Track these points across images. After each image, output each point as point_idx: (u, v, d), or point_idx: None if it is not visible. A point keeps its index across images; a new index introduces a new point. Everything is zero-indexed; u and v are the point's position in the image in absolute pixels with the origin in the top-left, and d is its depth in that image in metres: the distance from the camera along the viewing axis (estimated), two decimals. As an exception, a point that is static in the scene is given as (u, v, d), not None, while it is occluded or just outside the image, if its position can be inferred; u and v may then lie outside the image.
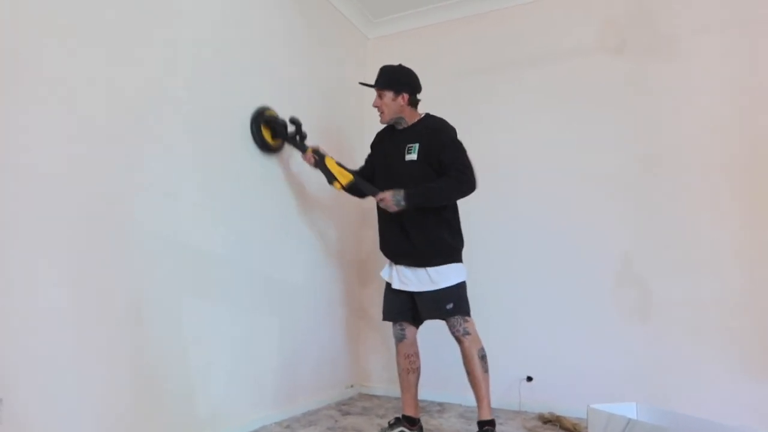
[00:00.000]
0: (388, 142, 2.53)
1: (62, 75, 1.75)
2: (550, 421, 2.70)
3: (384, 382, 3.40)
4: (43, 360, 1.66)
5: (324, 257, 3.17)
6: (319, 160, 2.52)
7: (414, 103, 2.47)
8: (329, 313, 3.20)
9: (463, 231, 2.45)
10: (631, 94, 2.99)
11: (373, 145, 2.66)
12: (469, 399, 2.85)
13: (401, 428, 2.40)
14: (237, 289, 2.47)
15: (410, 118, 2.46)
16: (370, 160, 2.67)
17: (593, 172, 3.02)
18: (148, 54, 2.08)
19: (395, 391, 3.18)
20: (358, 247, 3.55)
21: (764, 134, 2.69)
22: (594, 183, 3.01)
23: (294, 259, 2.88)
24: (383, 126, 2.58)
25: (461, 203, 2.43)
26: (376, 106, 2.48)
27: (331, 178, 2.50)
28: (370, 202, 2.69)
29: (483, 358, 2.30)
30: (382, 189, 2.38)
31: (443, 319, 2.34)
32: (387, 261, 2.53)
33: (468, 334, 2.30)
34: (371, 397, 3.34)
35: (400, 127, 2.48)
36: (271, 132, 2.64)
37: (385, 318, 2.51)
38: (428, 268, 2.33)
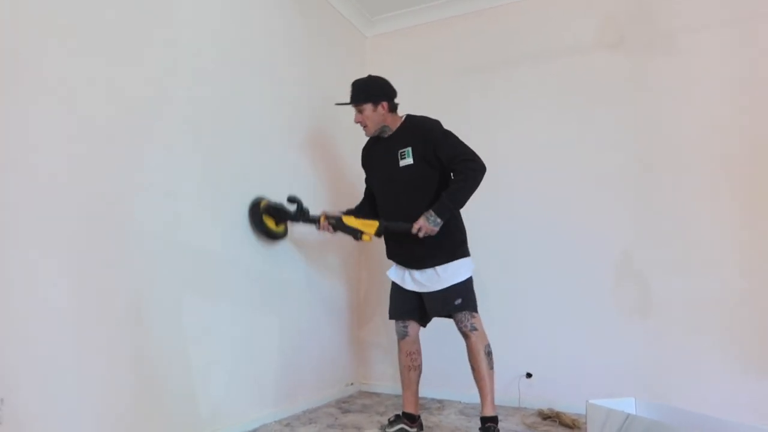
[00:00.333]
0: (378, 153, 2.52)
1: (62, 75, 1.75)
2: (549, 417, 2.71)
3: (384, 379, 3.41)
4: (44, 360, 1.66)
5: (324, 256, 3.17)
6: (336, 224, 2.44)
7: (393, 108, 2.48)
8: (329, 311, 3.20)
9: (463, 229, 2.46)
10: (630, 92, 3.00)
11: (364, 164, 2.64)
12: (468, 396, 2.87)
13: (401, 425, 2.41)
14: (237, 288, 2.47)
15: (393, 124, 2.47)
16: (368, 181, 2.64)
17: (592, 170, 3.03)
18: (148, 54, 2.08)
19: (395, 388, 3.19)
20: (358, 245, 3.54)
21: (764, 132, 2.70)
22: (593, 180, 3.02)
23: (294, 258, 2.88)
24: (367, 141, 2.60)
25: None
26: (358, 122, 2.47)
27: (357, 234, 2.41)
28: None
29: (489, 354, 2.31)
30: (384, 203, 2.43)
31: (451, 314, 2.34)
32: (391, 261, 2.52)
33: (475, 329, 2.31)
34: (371, 394, 3.34)
35: (386, 135, 2.48)
36: (274, 219, 2.59)
37: (392, 317, 2.52)
38: (437, 267, 2.34)
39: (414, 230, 2.26)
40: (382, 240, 2.49)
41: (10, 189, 1.60)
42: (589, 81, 3.10)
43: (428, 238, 2.28)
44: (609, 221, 2.96)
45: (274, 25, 2.86)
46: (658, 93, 2.93)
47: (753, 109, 2.73)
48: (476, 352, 2.29)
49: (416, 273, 2.39)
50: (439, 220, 2.24)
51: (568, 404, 2.76)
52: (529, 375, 3.02)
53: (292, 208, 2.52)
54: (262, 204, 2.54)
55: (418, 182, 2.35)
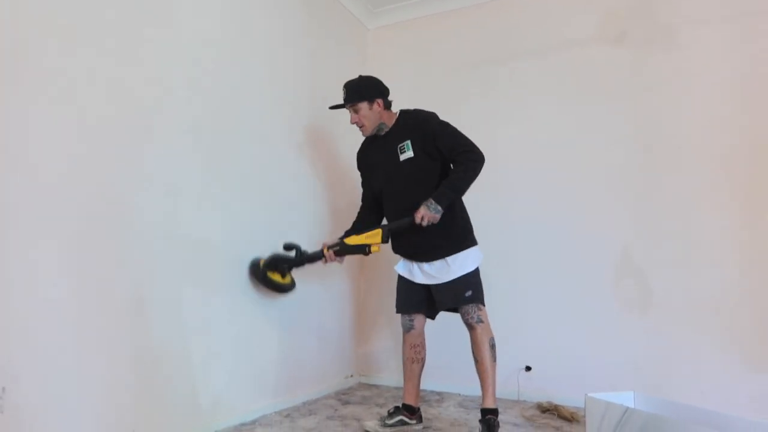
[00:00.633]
0: (375, 152, 2.51)
1: (62, 74, 1.75)
2: (548, 410, 2.72)
3: (383, 371, 3.42)
4: (45, 350, 1.66)
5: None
6: (341, 249, 2.40)
7: (388, 105, 2.47)
8: (330, 303, 3.21)
9: (464, 223, 2.46)
10: (631, 86, 2.99)
11: (361, 167, 2.63)
12: (468, 388, 2.89)
13: (401, 417, 2.43)
14: (238, 281, 2.47)
15: (389, 121, 2.46)
16: (367, 183, 2.61)
17: (593, 164, 3.02)
18: (148, 52, 2.07)
19: (394, 380, 3.21)
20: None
21: (764, 129, 2.69)
22: (593, 175, 3.01)
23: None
24: (361, 143, 2.59)
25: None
26: (354, 123, 2.46)
27: (365, 249, 2.37)
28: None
29: (493, 347, 2.32)
30: (389, 201, 2.42)
31: (460, 306, 2.34)
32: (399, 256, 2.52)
33: (481, 321, 2.31)
34: (371, 386, 3.36)
35: (383, 133, 2.47)
36: (279, 272, 2.51)
37: (399, 311, 2.51)
38: (447, 258, 2.34)
39: (417, 220, 2.25)
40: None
41: (11, 186, 1.60)
42: (589, 76, 3.09)
43: (435, 229, 2.27)
44: (609, 216, 2.96)
45: (274, 18, 2.84)
46: (659, 88, 2.92)
47: (753, 106, 2.72)
48: (480, 344, 2.30)
49: (425, 265, 2.39)
50: (439, 207, 2.23)
51: (567, 398, 2.77)
52: (528, 368, 3.03)
53: (291, 253, 2.47)
54: (261, 263, 2.48)
55: (420, 174, 2.35)
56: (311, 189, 3.07)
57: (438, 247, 2.34)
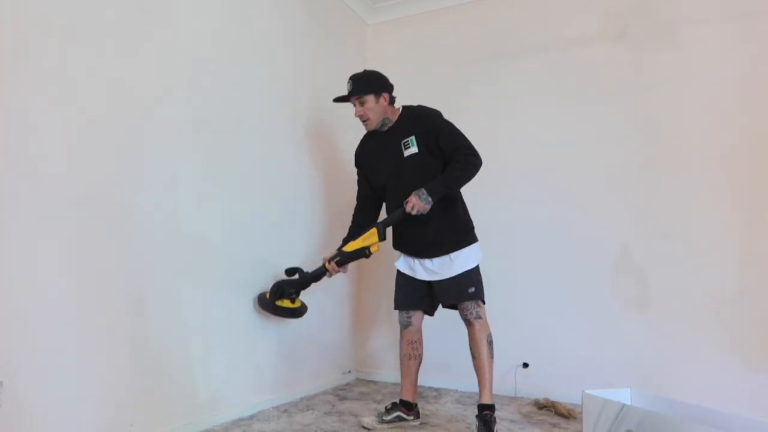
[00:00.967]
0: (377, 148, 2.48)
1: (62, 73, 1.75)
2: (545, 406, 2.73)
3: (381, 367, 3.43)
4: (44, 345, 1.66)
5: (323, 245, 3.17)
6: (342, 258, 2.39)
7: (393, 101, 2.46)
8: (328, 298, 3.21)
9: (463, 219, 2.46)
10: (631, 85, 2.99)
11: (360, 163, 2.58)
12: (465, 385, 2.89)
13: (398, 413, 2.43)
14: (237, 277, 2.48)
15: (393, 116, 2.45)
16: (364, 180, 2.58)
17: (592, 163, 3.03)
18: (148, 50, 2.07)
19: (392, 376, 3.21)
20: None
21: (764, 127, 2.69)
22: (593, 172, 3.02)
23: (293, 247, 2.88)
24: (361, 140, 2.57)
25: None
26: (359, 116, 2.42)
27: (366, 252, 2.37)
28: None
29: (490, 343, 2.33)
30: (391, 197, 2.41)
31: (462, 302, 2.34)
32: (399, 252, 2.51)
33: (480, 318, 2.32)
34: (368, 382, 3.36)
35: (386, 129, 2.45)
36: (287, 298, 2.48)
37: (398, 307, 2.51)
38: (450, 254, 2.34)
39: (407, 209, 2.24)
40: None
41: (11, 184, 1.60)
42: (589, 75, 3.09)
43: (438, 225, 2.28)
44: (609, 214, 2.96)
45: (274, 14, 2.83)
46: (659, 87, 2.92)
47: (754, 105, 2.72)
48: (478, 341, 2.30)
49: (427, 261, 2.38)
50: (430, 199, 2.23)
51: (564, 394, 2.78)
52: (525, 365, 3.03)
53: (295, 277, 2.48)
54: (268, 294, 2.48)
55: (424, 171, 2.33)
56: (311, 187, 3.07)
57: (440, 244, 2.34)
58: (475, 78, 3.38)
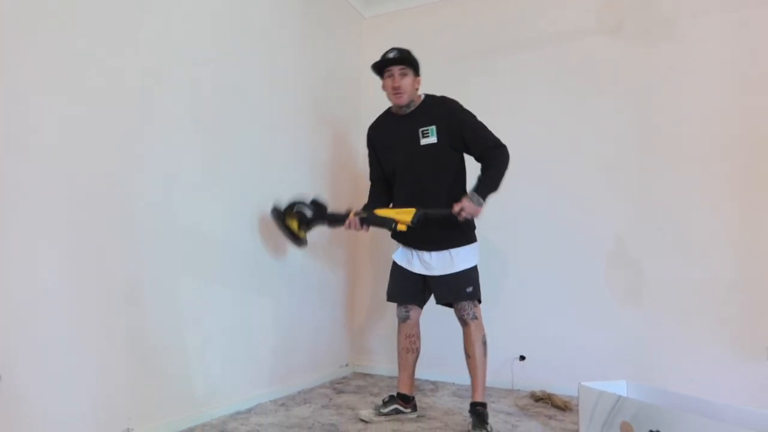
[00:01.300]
0: (393, 131, 2.42)
1: (62, 64, 1.73)
2: (541, 399, 2.74)
3: (378, 361, 3.43)
4: (42, 339, 1.66)
5: (320, 238, 3.17)
6: (369, 218, 2.28)
7: (418, 87, 2.43)
8: (324, 293, 3.21)
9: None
10: (629, 78, 2.99)
11: (374, 144, 2.51)
12: (462, 378, 2.89)
13: (395, 406, 2.44)
14: (234, 270, 2.47)
15: (417, 101, 2.41)
16: (377, 162, 2.51)
17: (589, 154, 3.03)
18: (146, 41, 2.05)
19: (389, 370, 3.22)
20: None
21: (762, 120, 2.69)
22: (589, 166, 3.02)
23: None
24: (374, 120, 2.52)
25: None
26: (395, 87, 2.30)
27: (391, 225, 2.22)
28: (364, 184, 2.70)
29: (485, 344, 2.33)
30: (402, 185, 2.36)
31: (459, 302, 2.33)
32: (398, 243, 2.50)
33: (476, 318, 2.32)
34: (365, 375, 3.37)
35: (405, 113, 2.39)
36: (297, 220, 2.43)
37: (392, 300, 2.50)
38: (451, 250, 2.32)
39: (456, 211, 2.17)
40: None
41: (8, 177, 1.59)
42: (587, 67, 3.09)
43: (446, 220, 2.23)
44: (604, 206, 2.97)
45: (270, 5, 2.82)
46: (657, 79, 2.92)
47: (752, 97, 2.72)
48: (473, 341, 2.30)
49: (426, 255, 2.36)
50: (482, 200, 2.19)
51: (560, 387, 2.80)
52: (522, 357, 3.05)
53: (311, 212, 2.43)
54: (286, 206, 2.46)
55: (439, 162, 2.30)
56: (309, 179, 3.05)
57: (443, 238, 2.32)
58: (472, 71, 3.37)
